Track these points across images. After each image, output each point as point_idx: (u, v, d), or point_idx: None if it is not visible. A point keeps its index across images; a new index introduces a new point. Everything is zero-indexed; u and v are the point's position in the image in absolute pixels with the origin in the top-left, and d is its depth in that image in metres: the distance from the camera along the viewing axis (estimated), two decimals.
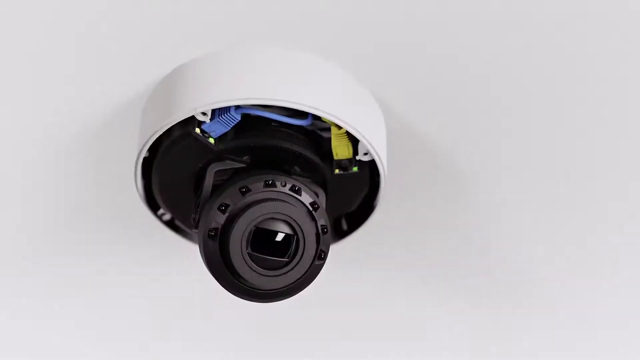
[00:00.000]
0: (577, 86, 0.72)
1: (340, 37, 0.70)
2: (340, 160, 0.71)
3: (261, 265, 0.65)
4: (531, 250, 0.84)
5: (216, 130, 0.69)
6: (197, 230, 0.68)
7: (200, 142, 0.69)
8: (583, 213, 0.80)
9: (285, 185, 0.66)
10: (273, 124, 0.70)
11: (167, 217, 0.77)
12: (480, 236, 0.83)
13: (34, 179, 0.78)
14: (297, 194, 0.66)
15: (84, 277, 0.87)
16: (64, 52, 0.70)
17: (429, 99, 0.73)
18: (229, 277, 0.66)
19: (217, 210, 0.65)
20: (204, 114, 0.68)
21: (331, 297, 0.88)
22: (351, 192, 0.73)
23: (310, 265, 0.66)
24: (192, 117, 0.68)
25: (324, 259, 0.67)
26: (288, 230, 0.66)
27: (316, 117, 0.70)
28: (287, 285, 0.66)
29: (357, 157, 0.71)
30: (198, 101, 0.68)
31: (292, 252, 0.66)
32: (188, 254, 0.79)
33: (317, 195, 0.68)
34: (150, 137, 0.69)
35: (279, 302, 0.67)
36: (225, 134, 0.69)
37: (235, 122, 0.69)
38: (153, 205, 0.76)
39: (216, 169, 0.69)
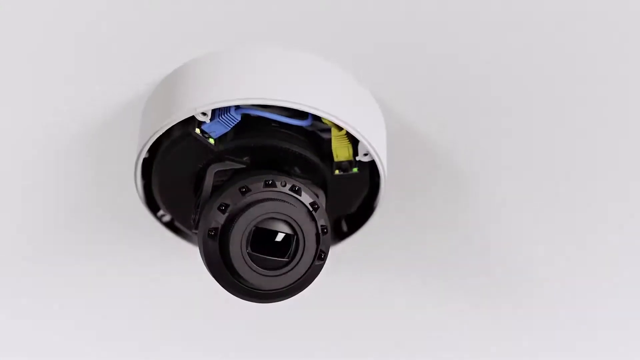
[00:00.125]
0: (577, 86, 0.72)
1: (340, 37, 0.70)
2: (340, 162, 0.71)
3: (261, 265, 0.65)
4: (531, 250, 0.84)
5: (216, 130, 0.69)
6: (196, 231, 0.68)
7: (200, 143, 0.69)
8: (583, 213, 0.80)
9: (285, 185, 0.66)
10: (273, 124, 0.70)
11: (167, 218, 0.77)
12: (480, 236, 0.83)
13: (34, 179, 0.78)
14: (297, 194, 0.66)
15: (84, 277, 0.87)
16: (64, 52, 0.70)
17: (429, 99, 0.73)
18: (228, 277, 0.66)
19: (217, 210, 0.65)
20: (204, 114, 0.68)
21: (331, 298, 0.88)
22: (351, 193, 0.73)
23: (310, 265, 0.66)
24: (192, 118, 0.68)
25: (324, 259, 0.67)
26: (288, 230, 0.66)
27: (316, 118, 0.70)
28: (287, 286, 0.66)
29: (357, 158, 0.71)
30: (198, 101, 0.68)
31: (292, 252, 0.66)
32: (188, 255, 0.79)
33: (317, 196, 0.68)
34: (151, 137, 0.69)
35: (279, 302, 0.67)
36: (225, 134, 0.69)
37: (236, 123, 0.69)
38: (153, 207, 0.76)
39: (216, 170, 0.69)
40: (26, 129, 0.75)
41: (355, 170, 0.71)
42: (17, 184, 0.79)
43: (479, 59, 0.71)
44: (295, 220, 0.66)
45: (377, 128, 0.72)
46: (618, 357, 0.92)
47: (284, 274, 0.66)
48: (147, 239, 0.83)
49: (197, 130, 0.68)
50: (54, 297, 0.88)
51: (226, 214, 0.65)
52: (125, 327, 0.92)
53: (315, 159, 0.70)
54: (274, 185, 0.66)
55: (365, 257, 0.85)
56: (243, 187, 0.66)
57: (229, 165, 0.69)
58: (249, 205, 0.65)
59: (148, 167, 0.73)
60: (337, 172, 0.71)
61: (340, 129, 0.70)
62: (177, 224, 0.77)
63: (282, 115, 0.69)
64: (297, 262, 0.66)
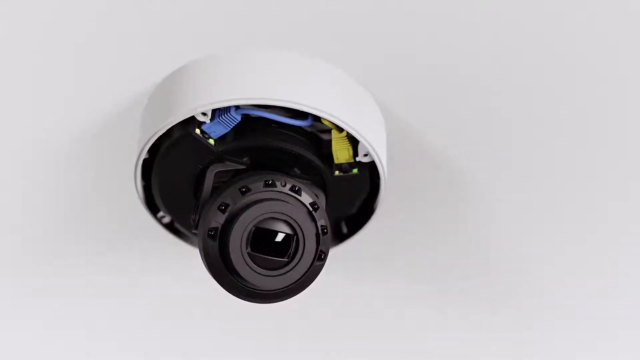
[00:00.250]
0: (577, 86, 0.72)
1: (341, 42, 0.70)
2: (340, 163, 0.71)
3: (261, 265, 0.65)
4: (531, 251, 0.83)
5: (216, 131, 0.69)
6: (196, 231, 0.68)
7: (200, 143, 0.69)
8: (583, 213, 0.80)
9: (285, 185, 0.66)
10: (273, 125, 0.70)
11: (167, 219, 0.77)
12: (480, 238, 0.83)
13: (34, 180, 0.78)
14: (297, 194, 0.66)
15: (84, 278, 0.87)
16: (64, 53, 0.70)
17: (429, 101, 0.73)
18: (228, 277, 0.66)
19: (217, 210, 0.65)
20: (204, 114, 0.68)
21: (331, 299, 0.88)
22: (351, 194, 0.73)
23: (310, 265, 0.66)
24: (193, 118, 0.68)
25: (324, 259, 0.67)
26: (288, 230, 0.66)
27: (316, 119, 0.70)
28: (287, 286, 0.66)
29: (357, 159, 0.71)
30: (198, 101, 0.68)
31: (292, 253, 0.66)
32: (188, 257, 0.79)
33: (317, 197, 0.68)
34: (151, 137, 0.69)
35: (279, 302, 0.67)
36: (225, 135, 0.69)
37: (236, 123, 0.69)
38: (153, 208, 0.76)
39: (216, 170, 0.69)
40: (26, 130, 0.75)
41: (355, 171, 0.71)
42: (17, 184, 0.79)
43: (479, 62, 0.71)
44: (295, 220, 0.66)
45: (377, 128, 0.72)
46: (618, 357, 0.92)
47: (283, 274, 0.66)
48: (146, 240, 0.83)
49: (197, 131, 0.68)
50: (54, 297, 0.88)
51: (226, 214, 0.65)
52: (124, 328, 0.92)
53: (315, 159, 0.71)
54: (274, 185, 0.66)
55: (365, 257, 0.85)
56: (243, 187, 0.66)
57: (229, 165, 0.69)
58: (249, 205, 0.65)
59: (148, 168, 0.73)
60: (337, 173, 0.71)
61: (340, 130, 0.70)
62: (177, 225, 0.77)
63: (282, 115, 0.69)
64: (297, 263, 0.66)
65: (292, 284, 0.66)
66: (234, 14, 0.69)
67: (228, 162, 0.70)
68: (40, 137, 0.75)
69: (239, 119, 0.69)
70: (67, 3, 0.67)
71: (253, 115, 0.70)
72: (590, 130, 0.75)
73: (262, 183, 0.66)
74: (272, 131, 0.70)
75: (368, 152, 0.70)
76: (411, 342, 0.93)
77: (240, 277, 0.65)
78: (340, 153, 0.71)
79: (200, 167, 0.70)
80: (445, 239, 0.84)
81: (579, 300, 0.87)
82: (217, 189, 0.68)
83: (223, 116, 0.68)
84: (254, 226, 0.65)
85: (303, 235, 0.66)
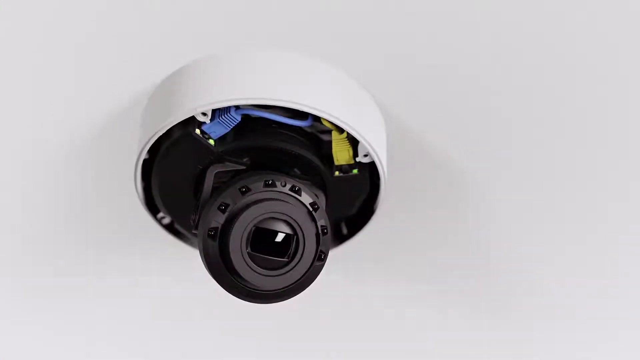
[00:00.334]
0: (577, 86, 0.72)
1: (341, 43, 0.70)
2: (340, 165, 0.71)
3: (261, 265, 0.65)
4: (531, 251, 0.83)
5: (216, 131, 0.69)
6: (196, 231, 0.68)
7: (200, 144, 0.69)
8: (583, 213, 0.80)
9: (285, 185, 0.66)
10: (273, 125, 0.70)
11: (167, 220, 0.77)
12: (480, 238, 0.83)
13: (33, 180, 0.78)
14: (297, 194, 0.66)
15: (83, 279, 0.87)
16: (64, 53, 0.70)
17: (429, 101, 0.73)
18: (228, 277, 0.66)
19: (217, 210, 0.65)
20: (204, 114, 0.68)
21: (331, 299, 0.88)
22: (351, 195, 0.73)
23: (310, 265, 0.66)
24: (193, 118, 0.68)
25: (324, 259, 0.67)
26: (288, 230, 0.66)
27: (316, 119, 0.70)
28: (287, 286, 0.66)
29: (357, 159, 0.71)
30: (198, 101, 0.68)
31: (291, 253, 0.66)
32: (188, 258, 0.79)
33: (317, 197, 0.68)
34: (151, 137, 0.69)
35: (279, 303, 0.67)
36: (225, 135, 0.69)
37: (236, 123, 0.69)
38: (153, 209, 0.76)
39: (216, 171, 0.69)
40: (26, 130, 0.75)
41: (355, 171, 0.71)
42: (17, 184, 0.79)
43: (479, 62, 0.71)
44: (295, 220, 0.66)
45: (376, 129, 0.72)
46: (618, 357, 0.92)
47: (283, 274, 0.66)
48: (146, 241, 0.83)
49: (197, 131, 0.68)
50: (53, 298, 0.88)
51: (226, 214, 0.65)
52: (124, 328, 0.92)
53: (315, 160, 0.71)
54: (274, 185, 0.66)
55: (365, 258, 0.85)
56: (243, 187, 0.66)
57: (229, 166, 0.69)
58: (249, 205, 0.65)
59: (148, 169, 0.73)
60: (337, 173, 0.71)
61: (341, 132, 0.70)
62: (176, 226, 0.77)
63: (282, 115, 0.69)
64: (297, 263, 0.66)
65: (292, 284, 0.66)
66: (234, 14, 0.69)
67: (228, 163, 0.70)
68: (40, 137, 0.75)
69: (239, 119, 0.69)
70: (67, 3, 0.67)
71: (253, 116, 0.70)
72: (590, 130, 0.75)
73: (262, 183, 0.66)
74: (272, 131, 0.70)
75: (368, 152, 0.70)
76: (411, 342, 0.93)
77: (240, 277, 0.65)
78: (341, 154, 0.71)
79: (200, 167, 0.70)
80: (445, 239, 0.84)
81: (579, 300, 0.87)
82: (217, 190, 0.68)
83: (223, 116, 0.68)
84: (254, 226, 0.65)
85: (303, 235, 0.66)
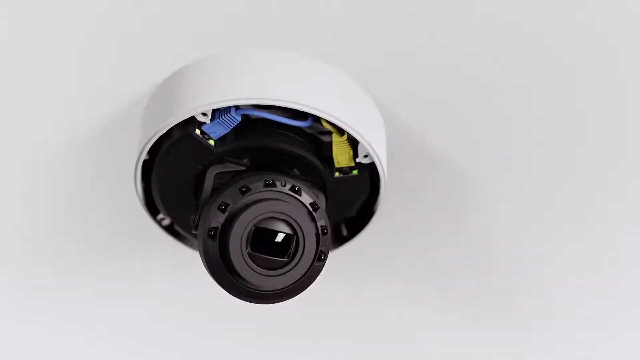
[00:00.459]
0: (577, 86, 0.72)
1: (341, 43, 0.70)
2: (341, 167, 0.71)
3: (261, 265, 0.65)
4: (531, 251, 0.83)
5: (216, 131, 0.69)
6: (196, 232, 0.68)
7: (200, 144, 0.69)
8: (583, 213, 0.80)
9: (285, 185, 0.66)
10: (273, 125, 0.70)
11: (167, 222, 0.77)
12: (480, 239, 0.83)
13: (33, 180, 0.78)
14: (297, 194, 0.66)
15: (83, 279, 0.87)
16: (64, 53, 0.70)
17: (429, 102, 0.73)
18: (228, 277, 0.66)
19: (217, 210, 0.65)
20: (204, 114, 0.68)
21: (331, 299, 0.88)
22: (351, 196, 0.73)
23: (310, 266, 0.66)
24: (193, 119, 0.68)
25: (324, 260, 0.67)
26: (288, 230, 0.66)
27: (316, 120, 0.70)
28: (287, 286, 0.66)
29: (357, 160, 0.71)
30: (198, 101, 0.68)
31: (291, 253, 0.66)
32: (187, 259, 0.79)
33: (317, 197, 0.68)
34: (151, 138, 0.69)
35: (279, 303, 0.67)
36: (225, 136, 0.69)
37: (236, 124, 0.69)
38: (152, 210, 0.76)
39: (216, 171, 0.69)
40: (26, 130, 0.75)
41: (355, 172, 0.71)
42: (17, 184, 0.79)
43: (478, 62, 0.71)
44: (295, 220, 0.66)
45: (376, 129, 0.72)
46: (618, 357, 0.92)
47: (283, 274, 0.66)
48: (146, 242, 0.83)
49: (198, 132, 0.68)
50: (53, 298, 0.88)
51: (226, 214, 0.65)
52: (124, 328, 0.92)
53: (315, 161, 0.70)
54: (274, 185, 0.66)
55: (365, 259, 0.85)
56: (243, 187, 0.66)
57: (229, 167, 0.69)
58: (249, 205, 0.65)
59: (148, 169, 0.73)
60: (337, 174, 0.71)
61: (342, 133, 0.70)
62: (176, 227, 0.77)
63: (282, 116, 0.69)
64: (297, 263, 0.66)
65: (292, 284, 0.66)
66: (234, 14, 0.69)
67: (228, 163, 0.69)
68: (40, 137, 0.75)
69: (239, 120, 0.68)
70: (67, 3, 0.67)
71: (253, 116, 0.70)
72: (590, 130, 0.75)
73: (262, 183, 0.66)
74: (272, 132, 0.70)
75: (368, 153, 0.70)
76: (411, 342, 0.93)
77: (240, 277, 0.65)
78: (341, 157, 0.71)
79: (200, 168, 0.70)
80: (446, 240, 0.84)
81: (579, 300, 0.87)
82: (217, 190, 0.68)
83: (223, 117, 0.68)
84: (254, 226, 0.65)
85: (303, 235, 0.66)
